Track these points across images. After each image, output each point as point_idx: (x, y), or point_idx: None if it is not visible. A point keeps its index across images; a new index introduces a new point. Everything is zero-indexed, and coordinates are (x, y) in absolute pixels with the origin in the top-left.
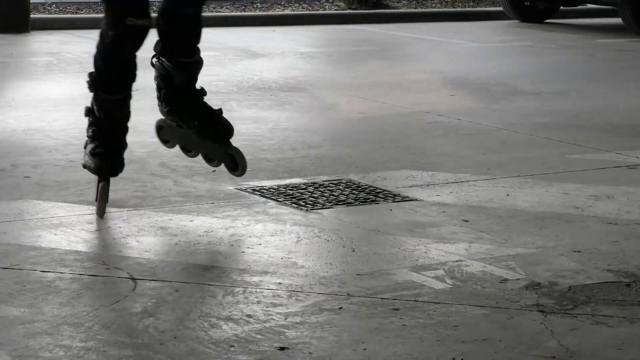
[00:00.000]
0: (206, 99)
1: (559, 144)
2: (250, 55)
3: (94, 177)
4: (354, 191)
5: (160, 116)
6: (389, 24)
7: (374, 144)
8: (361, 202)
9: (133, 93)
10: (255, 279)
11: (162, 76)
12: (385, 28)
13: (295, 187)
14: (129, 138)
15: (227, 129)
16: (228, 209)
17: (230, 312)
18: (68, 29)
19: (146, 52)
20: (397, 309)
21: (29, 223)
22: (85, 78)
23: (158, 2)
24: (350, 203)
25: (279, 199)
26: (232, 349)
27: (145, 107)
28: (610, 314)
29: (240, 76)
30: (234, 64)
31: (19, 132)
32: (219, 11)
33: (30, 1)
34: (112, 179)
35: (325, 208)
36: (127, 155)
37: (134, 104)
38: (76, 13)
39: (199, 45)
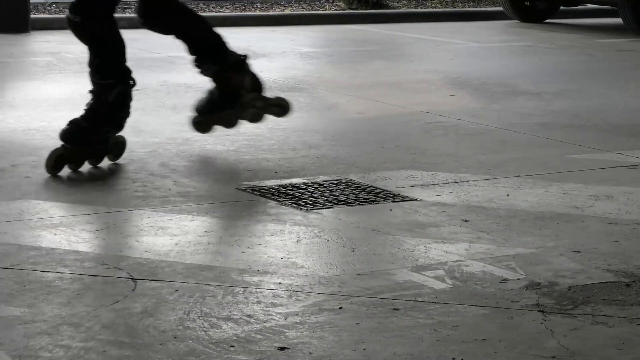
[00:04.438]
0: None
1: (559, 144)
2: (250, 55)
3: (96, 177)
4: (354, 191)
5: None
6: (389, 24)
7: (374, 144)
8: (361, 202)
9: (134, 93)
10: (255, 279)
11: None
12: (385, 28)
13: (295, 187)
14: (129, 138)
15: None
16: (228, 209)
17: (230, 312)
18: (68, 29)
19: (144, 52)
20: (397, 309)
21: (29, 223)
22: (85, 78)
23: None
24: (350, 203)
25: (279, 199)
26: (232, 349)
27: (145, 107)
28: (610, 314)
29: None
30: None
31: (19, 132)
32: (219, 11)
33: (30, 1)
34: (113, 179)
35: (325, 208)
36: (127, 155)
37: (134, 104)
38: None
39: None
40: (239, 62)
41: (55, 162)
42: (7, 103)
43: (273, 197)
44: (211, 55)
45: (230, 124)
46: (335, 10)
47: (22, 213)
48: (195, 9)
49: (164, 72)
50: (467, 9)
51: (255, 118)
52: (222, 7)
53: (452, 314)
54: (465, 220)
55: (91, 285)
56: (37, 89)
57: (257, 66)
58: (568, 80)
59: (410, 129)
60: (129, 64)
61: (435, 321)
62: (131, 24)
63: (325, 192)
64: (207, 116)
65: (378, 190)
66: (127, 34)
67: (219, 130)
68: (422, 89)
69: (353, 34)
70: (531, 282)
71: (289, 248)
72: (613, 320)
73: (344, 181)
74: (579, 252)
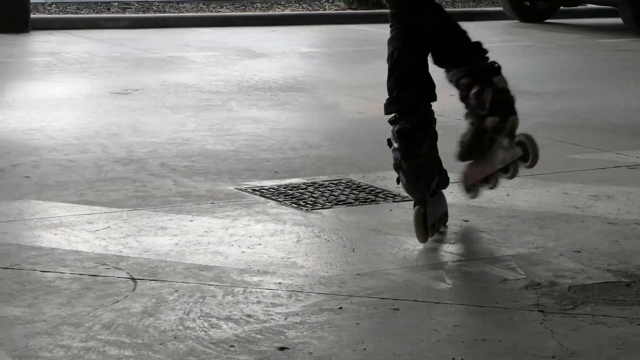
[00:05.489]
0: (206, 98)
1: (559, 144)
2: (250, 55)
3: (96, 177)
4: (354, 191)
5: None
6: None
7: (374, 144)
8: (361, 202)
9: (134, 93)
10: (255, 279)
11: None
12: (385, 28)
13: (295, 187)
14: (129, 138)
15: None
16: (228, 209)
17: (230, 312)
18: (68, 29)
19: (144, 52)
20: (397, 309)
21: (29, 223)
22: (85, 78)
23: None
24: (350, 203)
25: (279, 199)
26: (232, 349)
27: (145, 107)
28: (610, 314)
29: (240, 76)
30: (234, 64)
31: (19, 132)
32: (219, 11)
33: (30, 1)
34: (113, 179)
35: (325, 208)
36: (127, 155)
37: (134, 104)
38: (76, 13)
39: None
40: None
41: None
42: (7, 103)
43: (273, 197)
44: None
45: None
46: (335, 10)
47: (22, 213)
48: (195, 9)
49: (164, 72)
50: (467, 9)
51: None
52: (222, 7)
53: (452, 314)
54: (465, 220)
55: (91, 285)
56: (37, 89)
57: (257, 66)
58: (568, 80)
59: None
60: (129, 63)
61: (435, 321)
62: (131, 24)
63: (325, 192)
64: None
65: (378, 190)
66: (127, 34)
67: (219, 130)
68: None
69: (353, 34)
70: (531, 282)
71: (289, 248)
72: (613, 320)
73: (344, 181)
74: (579, 252)
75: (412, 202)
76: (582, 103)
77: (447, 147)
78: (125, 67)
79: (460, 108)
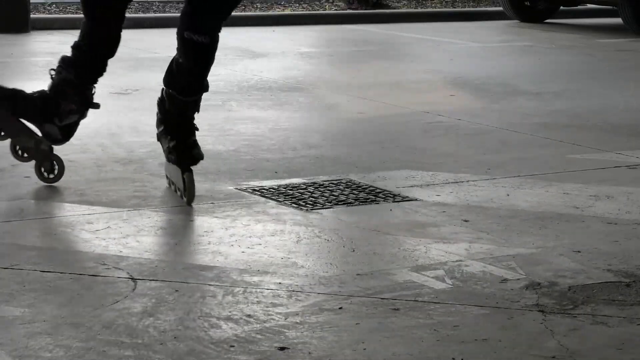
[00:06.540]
0: (206, 98)
1: (559, 144)
2: (250, 55)
3: (96, 177)
4: (354, 191)
5: None
6: (389, 24)
7: (374, 144)
8: (361, 202)
9: (133, 93)
10: (255, 279)
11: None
12: (385, 28)
13: (295, 187)
14: (129, 138)
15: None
16: (228, 209)
17: (230, 312)
18: (68, 29)
19: (144, 52)
20: (397, 309)
21: (30, 223)
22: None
23: None
24: (350, 203)
25: (279, 199)
26: (232, 349)
27: (145, 107)
28: (610, 314)
29: (240, 76)
30: (234, 64)
31: None
32: None
33: (30, 1)
34: (113, 179)
35: (325, 208)
36: (127, 155)
37: (134, 104)
38: (76, 13)
39: None
40: None
41: None
42: None
43: (273, 197)
44: None
45: None
46: (335, 10)
47: (22, 213)
48: None
49: (164, 72)
50: (467, 9)
51: None
52: None
53: (452, 314)
54: (465, 220)
55: (91, 285)
56: (36, 89)
57: (257, 66)
58: (568, 80)
59: (410, 129)
60: (129, 63)
61: (435, 321)
62: (131, 24)
63: (325, 192)
64: None
65: (378, 190)
66: (127, 34)
67: (218, 130)
68: (422, 89)
69: (353, 34)
70: (531, 282)
71: (289, 248)
72: (613, 320)
73: (344, 181)
74: (579, 252)
75: (412, 203)
76: (582, 103)
77: (447, 146)
78: (125, 67)
79: (459, 108)
